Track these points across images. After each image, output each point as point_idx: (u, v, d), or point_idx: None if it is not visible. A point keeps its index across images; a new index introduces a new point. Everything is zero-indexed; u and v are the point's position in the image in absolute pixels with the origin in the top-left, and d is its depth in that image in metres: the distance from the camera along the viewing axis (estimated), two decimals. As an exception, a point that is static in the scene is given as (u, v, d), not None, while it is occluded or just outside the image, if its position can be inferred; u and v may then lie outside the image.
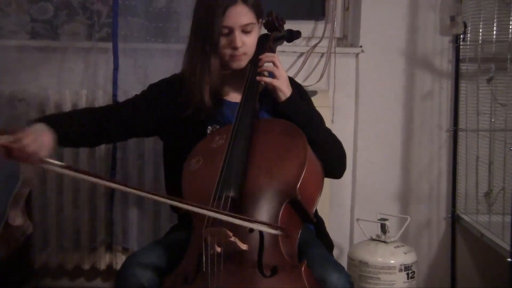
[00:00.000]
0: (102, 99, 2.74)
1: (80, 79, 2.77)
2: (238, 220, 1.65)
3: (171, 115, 1.98)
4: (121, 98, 2.72)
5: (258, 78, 1.93)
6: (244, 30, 1.93)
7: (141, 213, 2.79)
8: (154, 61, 2.74)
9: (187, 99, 1.96)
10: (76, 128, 1.92)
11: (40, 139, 1.69)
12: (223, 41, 1.92)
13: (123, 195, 2.77)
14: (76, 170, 1.67)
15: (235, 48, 1.92)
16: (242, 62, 1.96)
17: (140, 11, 2.75)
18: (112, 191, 2.78)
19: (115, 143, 2.68)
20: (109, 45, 2.73)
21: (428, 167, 2.92)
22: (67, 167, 1.67)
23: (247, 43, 1.94)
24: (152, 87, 2.06)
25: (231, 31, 1.92)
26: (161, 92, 2.02)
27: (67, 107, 2.74)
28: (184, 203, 1.67)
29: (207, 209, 1.66)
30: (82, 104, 2.74)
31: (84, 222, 2.79)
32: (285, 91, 1.93)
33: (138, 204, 2.79)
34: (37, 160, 1.67)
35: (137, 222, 2.79)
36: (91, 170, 2.74)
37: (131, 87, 2.71)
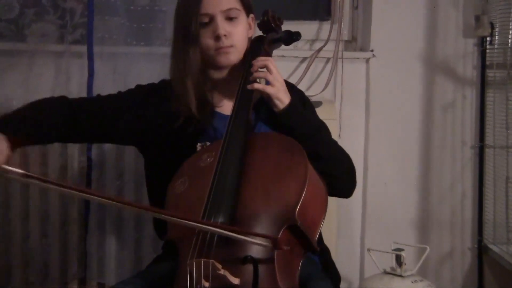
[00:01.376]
0: (75, 110, 2.75)
1: (50, 87, 2.78)
2: (232, 234, 1.65)
3: (158, 125, 1.98)
4: (97, 109, 2.74)
5: (249, 86, 1.94)
6: (227, 17, 1.93)
7: (119, 242, 2.79)
8: (136, 67, 2.74)
9: (176, 108, 1.97)
10: (43, 116, 1.92)
11: None
12: (204, 32, 1.93)
13: (99, 221, 2.77)
14: (42, 180, 1.64)
15: (218, 38, 1.92)
16: (231, 56, 1.95)
17: (120, 10, 2.76)
18: (86, 216, 2.77)
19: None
20: (84, 48, 2.74)
21: (450, 189, 2.93)
22: (29, 176, 1.63)
23: (232, 33, 1.94)
24: (140, 88, 2.07)
25: (211, 18, 1.92)
26: (149, 96, 2.02)
27: (35, 120, 2.75)
28: (168, 214, 1.67)
29: (191, 221, 1.67)
30: (52, 116, 2.74)
31: (53, 253, 2.78)
32: (282, 98, 1.93)
33: (117, 231, 2.78)
34: None
35: (115, 253, 2.78)
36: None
37: (109, 96, 2.73)
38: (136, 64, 2.76)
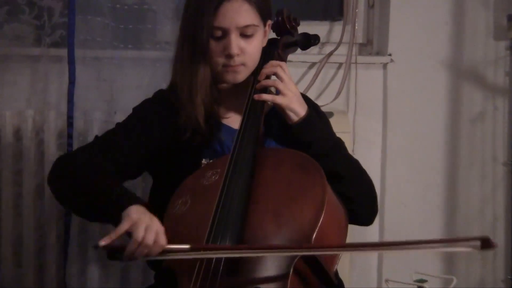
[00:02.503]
0: (53, 122, 2.73)
1: (26, 96, 2.77)
2: (245, 252, 1.66)
3: (167, 140, 1.99)
4: (78, 120, 2.72)
5: (255, 96, 1.93)
6: (243, 34, 1.93)
7: (104, 271, 2.77)
8: (123, 73, 2.74)
9: (185, 119, 1.97)
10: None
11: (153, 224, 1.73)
12: (214, 46, 1.92)
13: (81, 247, 2.75)
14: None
15: (230, 57, 1.92)
16: (239, 75, 1.96)
17: (105, 9, 2.75)
18: (65, 242, 2.75)
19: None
20: (64, 52, 2.73)
21: (480, 211, 2.92)
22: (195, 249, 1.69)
23: (246, 50, 1.93)
24: (149, 104, 2.06)
25: (225, 33, 1.92)
26: (159, 110, 2.01)
27: (7, 133, 2.73)
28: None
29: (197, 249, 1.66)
30: (28, 128, 2.73)
31: (28, 283, 2.75)
32: (296, 109, 1.93)
33: (101, 259, 2.76)
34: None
35: (98, 284, 2.76)
36: (38, 213, 2.74)
37: (93, 106, 2.72)
38: (123, 70, 2.76)
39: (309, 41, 2.10)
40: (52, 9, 2.77)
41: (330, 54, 2.91)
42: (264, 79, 1.96)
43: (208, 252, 1.69)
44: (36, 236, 2.76)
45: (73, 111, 2.73)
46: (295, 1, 3.05)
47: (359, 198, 1.93)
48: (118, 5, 2.77)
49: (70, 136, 2.72)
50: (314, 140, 1.92)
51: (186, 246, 1.69)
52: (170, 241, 1.78)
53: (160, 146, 1.99)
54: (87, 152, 1.95)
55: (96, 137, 2.03)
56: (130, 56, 2.76)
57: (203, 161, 1.96)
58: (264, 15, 1.97)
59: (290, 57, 2.77)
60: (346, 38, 2.93)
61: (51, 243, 2.76)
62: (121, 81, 2.73)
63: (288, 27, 2.10)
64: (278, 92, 1.96)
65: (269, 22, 2.02)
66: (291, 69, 2.77)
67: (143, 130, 1.99)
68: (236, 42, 1.91)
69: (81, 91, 2.74)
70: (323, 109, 2.76)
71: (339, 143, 2.00)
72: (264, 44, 2.02)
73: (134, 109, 2.06)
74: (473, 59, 2.90)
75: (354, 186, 1.93)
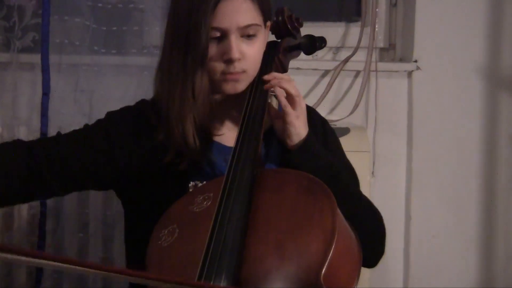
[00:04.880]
0: (25, 139, 2.75)
1: (-9, 109, 2.79)
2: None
3: (141, 162, 1.99)
4: (53, 136, 2.74)
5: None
6: (244, 35, 1.93)
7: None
8: (105, 82, 2.77)
9: (165, 138, 1.98)
10: None
11: None
12: (212, 50, 1.92)
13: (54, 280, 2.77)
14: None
15: (230, 62, 1.91)
16: (240, 84, 1.95)
17: (84, 8, 2.78)
18: (37, 281, 2.76)
19: (51, 197, 2.67)
20: (37, 57, 2.75)
21: (523, 245, 2.93)
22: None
23: (248, 55, 1.93)
24: (113, 116, 2.06)
25: (224, 35, 1.92)
26: (127, 125, 2.02)
27: (-29, 152, 2.75)
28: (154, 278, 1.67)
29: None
30: (-6, 146, 2.75)
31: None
32: (300, 127, 1.93)
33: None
34: None
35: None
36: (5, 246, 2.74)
37: (70, 120, 2.73)
38: (105, 79, 2.78)
39: (314, 44, 2.09)
40: (23, 9, 2.80)
41: (346, 60, 2.93)
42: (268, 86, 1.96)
43: None
44: (2, 274, 2.78)
45: (47, 126, 2.75)
46: (305, -1, 3.08)
47: (364, 238, 1.89)
48: (99, 4, 2.79)
49: (43, 155, 2.73)
50: (309, 170, 1.89)
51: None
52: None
53: (128, 166, 1.99)
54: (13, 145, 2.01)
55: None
56: (113, 62, 2.79)
57: (191, 184, 1.97)
58: (265, 14, 1.97)
59: (300, 64, 2.83)
60: (365, 42, 2.95)
61: (21, 281, 2.79)
62: (102, 92, 2.76)
63: (290, 28, 2.09)
64: (279, 109, 1.96)
65: (269, 23, 2.03)
66: (301, 78, 2.86)
67: (107, 132, 2.01)
68: (236, 45, 1.91)
69: (56, 103, 2.76)
70: (339, 124, 2.81)
71: (342, 174, 2.00)
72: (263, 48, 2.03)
73: (109, 113, 2.07)
74: (514, 67, 2.91)
75: (358, 224, 1.89)
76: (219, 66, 1.93)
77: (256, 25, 1.93)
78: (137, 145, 1.99)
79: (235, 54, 1.90)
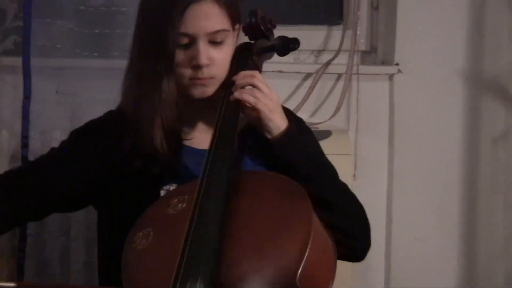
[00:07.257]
0: (6, 143, 2.76)
1: (-28, 113, 2.80)
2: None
3: (112, 172, 1.98)
4: (35, 141, 2.72)
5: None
6: (212, 40, 1.93)
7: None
8: (88, 86, 2.76)
9: (132, 146, 1.97)
10: None
11: None
12: (180, 56, 1.92)
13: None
14: None
15: (198, 67, 1.92)
16: (208, 89, 1.95)
17: (66, 11, 2.78)
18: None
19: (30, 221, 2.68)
20: (18, 61, 2.75)
21: (505, 247, 2.92)
22: None
23: (216, 60, 1.93)
24: (76, 135, 2.07)
25: (192, 41, 1.92)
26: (91, 140, 2.02)
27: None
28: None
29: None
30: (-25, 151, 2.75)
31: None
32: (277, 121, 1.93)
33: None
34: None
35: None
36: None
37: (52, 125, 2.73)
38: (88, 82, 2.78)
39: (288, 45, 2.09)
40: (4, 11, 2.81)
41: (328, 63, 2.93)
42: (236, 93, 1.96)
43: None
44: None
45: (28, 130, 2.75)
46: (285, 2, 3.07)
47: (349, 230, 1.93)
48: (82, 7, 2.79)
49: (25, 158, 2.72)
50: (296, 160, 1.92)
51: None
52: (130, 282, 1.78)
53: (99, 177, 1.99)
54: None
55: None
56: (95, 65, 2.79)
57: (164, 188, 1.97)
58: (234, 18, 1.98)
59: (281, 67, 2.83)
60: (347, 45, 2.95)
61: None
62: (85, 95, 2.75)
63: (263, 29, 2.09)
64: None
65: (237, 26, 2.03)
66: (282, 81, 2.86)
67: (75, 153, 2.02)
68: (204, 51, 1.91)
69: (38, 107, 2.76)
70: (321, 127, 2.81)
71: (326, 165, 2.00)
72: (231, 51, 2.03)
73: (73, 132, 2.08)
74: (495, 69, 2.91)
75: (344, 216, 1.92)
76: (187, 72, 1.93)
77: (225, 30, 1.94)
78: (105, 157, 1.99)
79: (204, 60, 1.91)
